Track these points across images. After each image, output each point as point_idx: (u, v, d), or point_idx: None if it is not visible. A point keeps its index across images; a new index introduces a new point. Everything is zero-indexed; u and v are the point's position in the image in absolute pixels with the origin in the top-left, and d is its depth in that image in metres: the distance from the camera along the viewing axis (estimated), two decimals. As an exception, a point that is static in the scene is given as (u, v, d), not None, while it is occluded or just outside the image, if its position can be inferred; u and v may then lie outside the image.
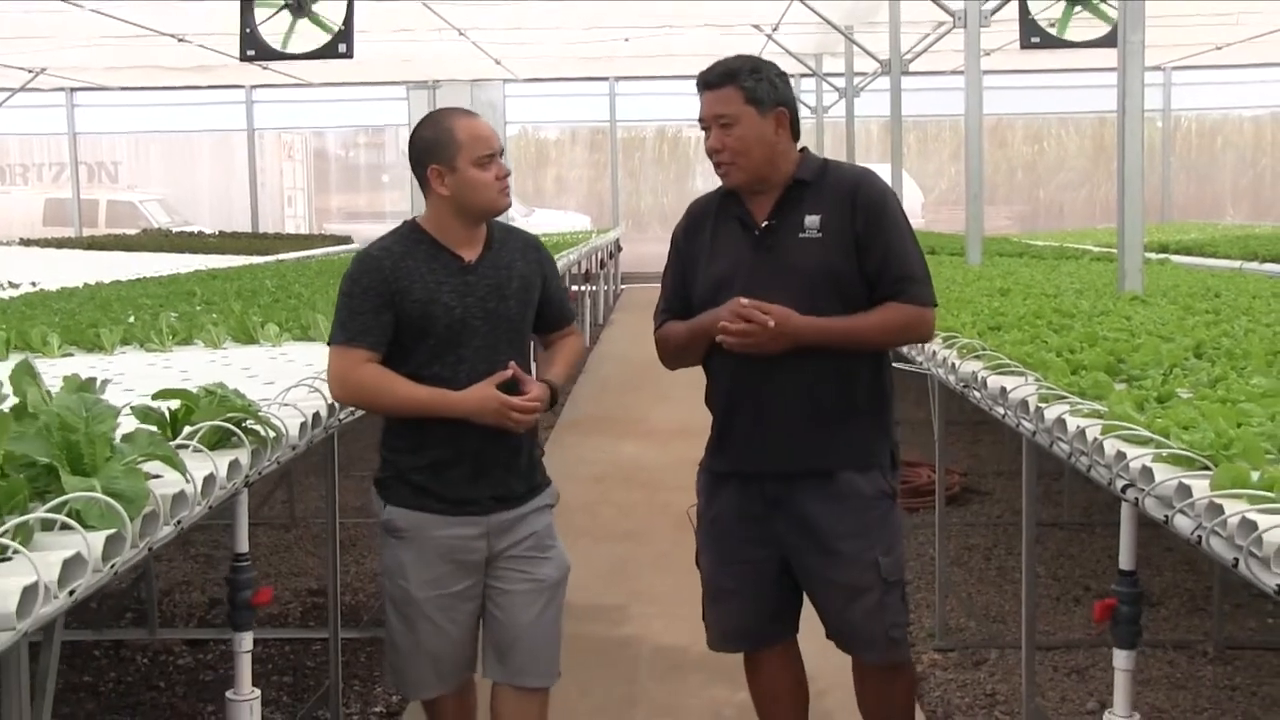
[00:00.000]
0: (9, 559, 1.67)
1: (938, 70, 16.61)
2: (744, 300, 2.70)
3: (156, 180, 22.02)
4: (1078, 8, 8.85)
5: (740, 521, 2.88)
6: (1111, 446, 2.41)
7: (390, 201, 21.94)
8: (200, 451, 2.32)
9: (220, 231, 17.19)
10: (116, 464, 1.93)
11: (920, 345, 4.01)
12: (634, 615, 4.75)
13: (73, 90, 20.14)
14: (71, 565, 1.71)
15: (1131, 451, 2.33)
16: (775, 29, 14.77)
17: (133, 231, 17.69)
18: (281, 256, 12.22)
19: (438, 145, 2.81)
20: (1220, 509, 1.92)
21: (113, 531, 1.82)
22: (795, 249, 2.80)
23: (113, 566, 1.86)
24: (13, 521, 1.70)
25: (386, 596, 2.91)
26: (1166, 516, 2.13)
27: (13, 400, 2.40)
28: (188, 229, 18.05)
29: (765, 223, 2.84)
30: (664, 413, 8.71)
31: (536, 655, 2.89)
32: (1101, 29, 8.90)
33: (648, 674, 4.20)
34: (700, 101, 2.85)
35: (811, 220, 2.80)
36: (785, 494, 2.82)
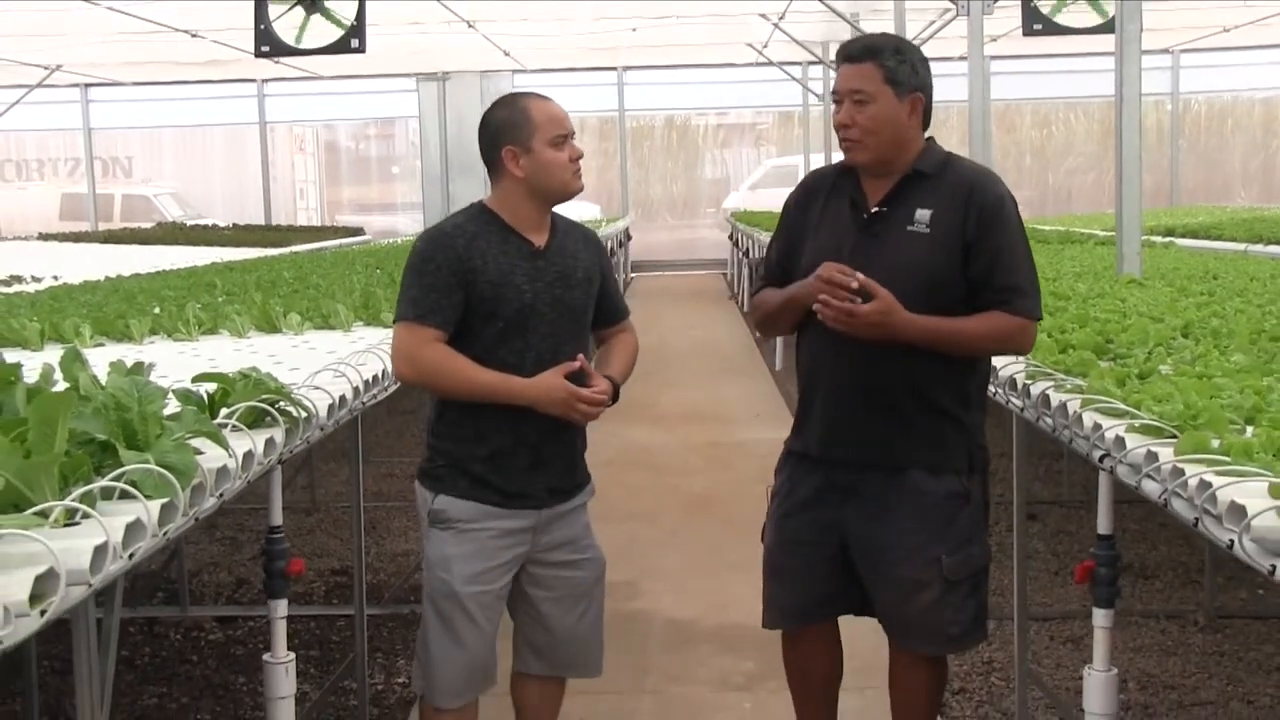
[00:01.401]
0: (77, 523, 1.84)
1: (945, 56, 16.70)
2: (859, 277, 2.62)
3: (170, 174, 22.23)
4: (1078, -5, 8.96)
5: (807, 502, 2.89)
6: (1090, 419, 2.57)
7: (401, 193, 22.11)
8: (239, 430, 2.49)
9: (234, 224, 17.38)
10: (167, 439, 2.10)
11: None
12: (644, 591, 4.93)
13: (87, 86, 20.35)
14: (132, 530, 1.88)
15: (1107, 423, 2.49)
16: (781, 18, 14.87)
17: (147, 225, 17.87)
18: (295, 248, 12.39)
19: (512, 126, 2.80)
20: (1182, 473, 2.08)
21: (166, 500, 1.99)
22: (901, 240, 2.75)
23: (165, 533, 2.04)
24: (79, 490, 1.88)
25: (425, 594, 2.89)
26: (1137, 482, 2.29)
27: (62, 385, 2.58)
28: (201, 222, 18.26)
29: (876, 208, 2.80)
30: (673, 398, 8.86)
31: (583, 653, 3.00)
32: (1101, 17, 9.00)
33: (658, 645, 4.39)
34: (837, 73, 2.80)
35: (922, 214, 2.75)
36: (854, 483, 2.81)
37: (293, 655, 2.86)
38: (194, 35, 14.89)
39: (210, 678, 4.26)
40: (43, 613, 1.66)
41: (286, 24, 9.54)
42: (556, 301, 2.83)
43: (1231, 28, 16.99)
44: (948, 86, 17.31)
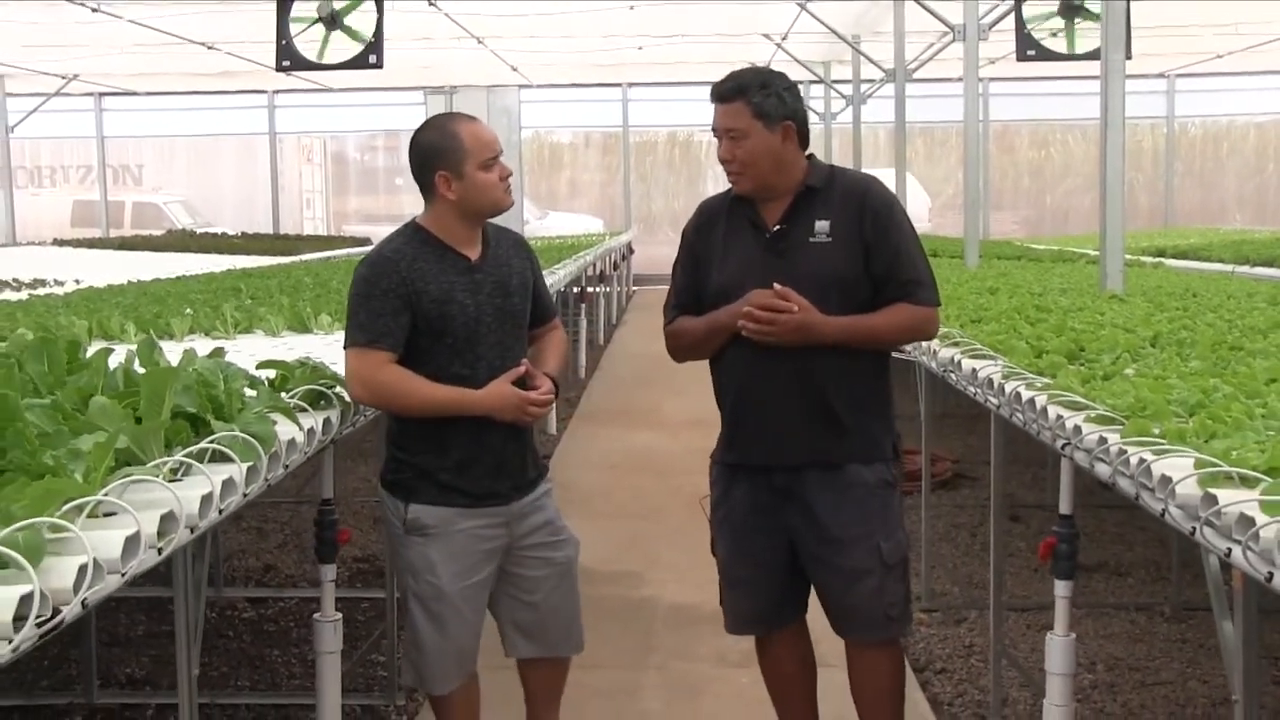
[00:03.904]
0: (179, 480, 2.16)
1: (945, 77, 17.05)
2: (777, 286, 2.85)
3: (180, 182, 22.58)
4: (1071, 21, 9.32)
5: (751, 512, 3.02)
6: (1053, 411, 2.89)
7: (407, 204, 22.45)
8: (304, 409, 2.81)
9: (242, 233, 17.68)
10: (249, 413, 2.42)
11: None
12: (649, 580, 5.24)
13: (101, 95, 20.71)
14: (226, 486, 2.20)
15: (1067, 414, 2.81)
16: (784, 38, 15.23)
17: (158, 232, 18.19)
18: (304, 257, 12.68)
19: (444, 151, 2.91)
20: (1124, 453, 2.40)
21: (250, 464, 2.31)
22: (806, 252, 2.93)
23: (246, 495, 2.35)
24: (180, 451, 2.20)
25: (412, 596, 3.00)
26: (1090, 464, 2.61)
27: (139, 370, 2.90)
28: (210, 230, 18.56)
29: (777, 226, 2.97)
30: (675, 405, 9.19)
31: (567, 629, 3.16)
32: (1092, 44, 9.35)
33: (662, 627, 4.71)
34: (713, 111, 2.99)
35: (821, 225, 2.93)
36: (793, 484, 2.96)
37: (339, 615, 3.17)
38: (210, 47, 15.24)
39: (246, 650, 4.58)
40: (160, 551, 1.98)
41: (306, 39, 9.88)
42: (498, 311, 2.97)
43: (1225, 54, 17.37)
44: (946, 107, 17.55)
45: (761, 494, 3.01)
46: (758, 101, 2.93)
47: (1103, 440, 2.54)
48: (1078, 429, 2.70)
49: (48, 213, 21.47)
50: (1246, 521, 1.87)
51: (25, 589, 1.57)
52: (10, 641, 1.55)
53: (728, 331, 2.95)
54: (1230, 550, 1.93)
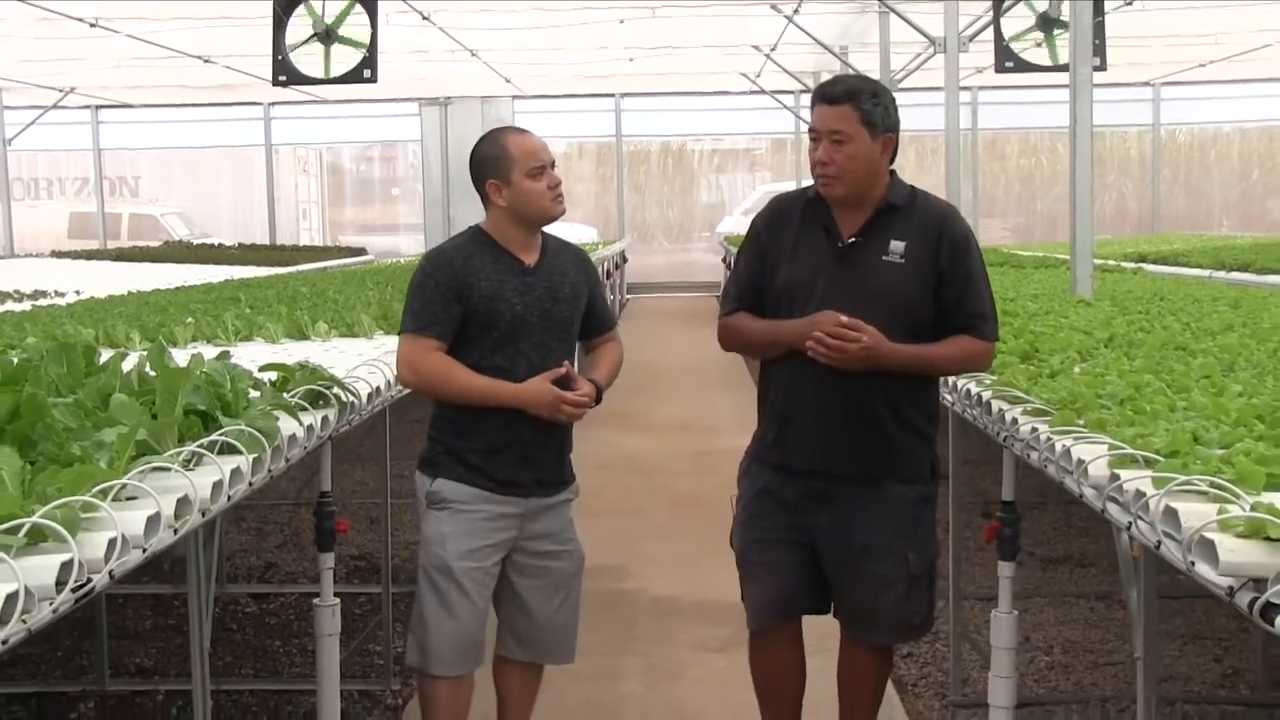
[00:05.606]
0: (193, 469, 2.39)
1: (936, 86, 17.23)
2: (844, 319, 2.86)
3: (176, 194, 22.78)
4: (1048, 34, 9.58)
5: (780, 505, 3.08)
6: (995, 405, 3.13)
7: (402, 214, 22.68)
8: (304, 408, 3.04)
9: (239, 244, 17.87)
10: (254, 410, 2.65)
11: None
12: (634, 573, 5.48)
13: (98, 108, 20.93)
14: (233, 475, 2.43)
15: (1007, 408, 3.05)
16: (773, 49, 15.48)
17: (154, 243, 18.37)
18: (301, 267, 12.87)
19: (493, 161, 3.10)
20: (1051, 441, 2.64)
21: (256, 456, 2.54)
22: (878, 269, 2.95)
23: (252, 484, 2.58)
24: (192, 443, 2.43)
25: (421, 569, 3.14)
26: (1025, 454, 2.85)
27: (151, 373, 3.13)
28: (207, 241, 18.76)
29: (852, 239, 2.99)
30: (664, 411, 9.41)
31: (559, 641, 3.27)
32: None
33: (645, 616, 4.95)
34: (814, 113, 2.98)
35: (897, 245, 2.94)
36: (831, 490, 3.02)
37: (338, 600, 3.40)
38: (206, 61, 15.46)
39: (250, 642, 4.81)
40: (176, 530, 2.20)
41: (302, 54, 10.12)
42: (545, 314, 3.12)
43: (1207, 63, 17.63)
44: (938, 116, 17.89)
45: (795, 493, 3.07)
46: (867, 108, 2.94)
47: (1034, 430, 2.78)
48: (1014, 421, 2.93)
49: (44, 224, 21.67)
50: (1140, 496, 2.11)
51: (65, 557, 1.79)
52: (51, 602, 1.77)
53: (788, 347, 2.98)
54: (1131, 524, 2.17)
